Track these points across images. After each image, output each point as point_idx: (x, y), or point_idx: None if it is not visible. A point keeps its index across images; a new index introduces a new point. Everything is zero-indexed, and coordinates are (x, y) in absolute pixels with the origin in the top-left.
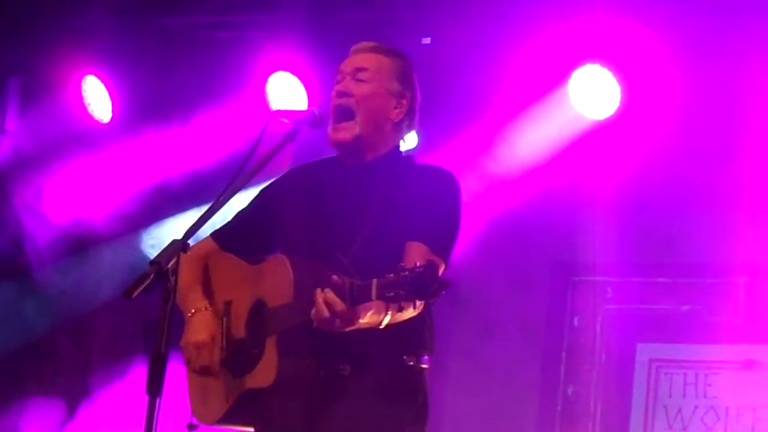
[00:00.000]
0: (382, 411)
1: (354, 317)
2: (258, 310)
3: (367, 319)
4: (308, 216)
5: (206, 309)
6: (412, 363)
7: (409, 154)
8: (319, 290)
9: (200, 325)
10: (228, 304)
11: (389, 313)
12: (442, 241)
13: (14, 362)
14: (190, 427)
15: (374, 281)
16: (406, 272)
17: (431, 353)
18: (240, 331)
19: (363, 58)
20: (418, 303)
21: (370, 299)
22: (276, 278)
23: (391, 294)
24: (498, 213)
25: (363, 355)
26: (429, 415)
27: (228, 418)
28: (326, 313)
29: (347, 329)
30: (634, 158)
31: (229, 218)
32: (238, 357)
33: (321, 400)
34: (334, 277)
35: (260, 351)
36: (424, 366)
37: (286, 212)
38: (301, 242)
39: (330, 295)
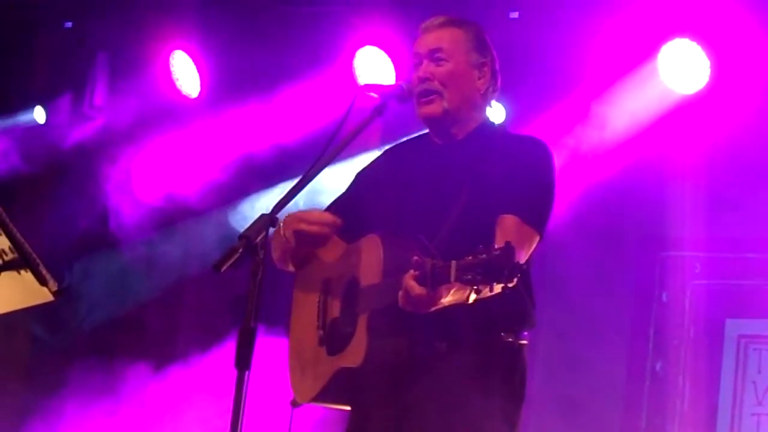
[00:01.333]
0: (476, 388)
1: (436, 298)
2: (352, 288)
3: (450, 297)
4: (400, 198)
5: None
6: (510, 339)
7: (502, 125)
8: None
9: (288, 216)
10: (326, 282)
11: (475, 292)
12: (534, 211)
13: (103, 336)
14: (294, 404)
15: (453, 263)
16: (483, 255)
17: (531, 328)
18: (335, 309)
19: (436, 37)
20: (496, 286)
21: (449, 281)
22: (368, 257)
23: (469, 276)
24: (586, 188)
25: (459, 332)
26: (525, 393)
27: (322, 396)
28: (409, 296)
29: (432, 309)
30: (724, 133)
31: (327, 204)
32: (332, 335)
33: (414, 378)
34: (416, 258)
35: (352, 330)
36: (523, 342)
37: (379, 194)
38: (392, 224)
39: (411, 281)
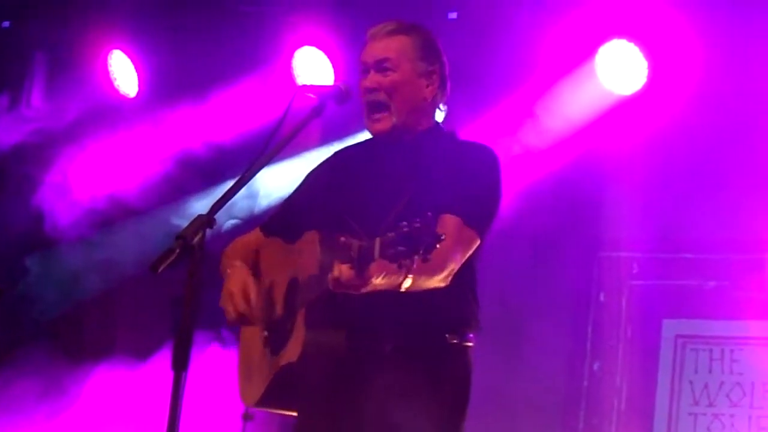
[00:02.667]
0: (421, 389)
1: (365, 278)
2: (292, 287)
3: (381, 280)
4: (345, 198)
5: (239, 266)
6: (455, 341)
7: (452, 130)
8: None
9: (231, 279)
10: (271, 286)
11: (409, 277)
12: (476, 214)
13: (41, 335)
14: (246, 417)
15: (377, 240)
16: (405, 229)
17: (476, 330)
18: (279, 310)
19: (383, 46)
20: (416, 259)
21: (374, 258)
22: (306, 253)
23: (392, 251)
24: (524, 188)
25: (404, 334)
26: (470, 394)
27: (267, 398)
28: (339, 278)
29: (363, 291)
30: (661, 134)
31: (275, 207)
32: (275, 336)
33: (358, 377)
34: (342, 238)
35: (291, 327)
36: (469, 344)
37: (325, 195)
38: (335, 224)
39: (338, 263)
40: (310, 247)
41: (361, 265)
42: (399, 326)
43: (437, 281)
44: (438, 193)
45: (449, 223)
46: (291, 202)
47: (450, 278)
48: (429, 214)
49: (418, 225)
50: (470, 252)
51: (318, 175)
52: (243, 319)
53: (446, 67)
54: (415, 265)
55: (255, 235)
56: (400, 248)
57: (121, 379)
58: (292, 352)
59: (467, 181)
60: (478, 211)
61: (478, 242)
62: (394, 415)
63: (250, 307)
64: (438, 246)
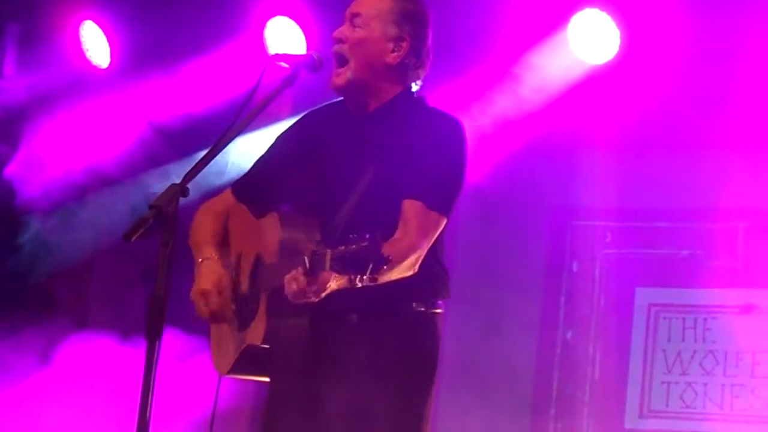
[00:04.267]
0: (389, 359)
1: (320, 283)
2: (257, 265)
3: (336, 284)
4: (311, 168)
5: (213, 258)
6: (422, 309)
7: (421, 96)
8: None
9: (206, 274)
10: (239, 257)
11: (365, 277)
12: (440, 195)
13: (12, 307)
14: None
15: (328, 252)
16: (353, 245)
17: (446, 298)
18: (245, 285)
19: (360, 3)
20: (365, 278)
21: (325, 269)
22: (268, 237)
23: (339, 266)
24: (496, 158)
25: (368, 304)
26: (438, 361)
27: (236, 369)
28: (293, 290)
29: (319, 297)
30: (634, 103)
31: (247, 168)
32: (241, 311)
33: (326, 353)
34: (303, 254)
35: (255, 308)
36: (437, 311)
37: (292, 163)
38: (302, 195)
39: (291, 277)
40: (271, 231)
41: (314, 272)
42: (363, 297)
43: (406, 272)
44: (401, 170)
45: (413, 209)
46: (262, 165)
47: (418, 265)
48: (376, 234)
49: (365, 244)
50: (437, 234)
51: (287, 139)
52: (215, 318)
53: (425, 42)
54: (361, 284)
55: (226, 198)
56: (348, 266)
57: (95, 349)
58: (255, 334)
59: (431, 158)
60: (443, 192)
61: (444, 222)
62: (363, 386)
63: (223, 307)
64: (385, 267)
